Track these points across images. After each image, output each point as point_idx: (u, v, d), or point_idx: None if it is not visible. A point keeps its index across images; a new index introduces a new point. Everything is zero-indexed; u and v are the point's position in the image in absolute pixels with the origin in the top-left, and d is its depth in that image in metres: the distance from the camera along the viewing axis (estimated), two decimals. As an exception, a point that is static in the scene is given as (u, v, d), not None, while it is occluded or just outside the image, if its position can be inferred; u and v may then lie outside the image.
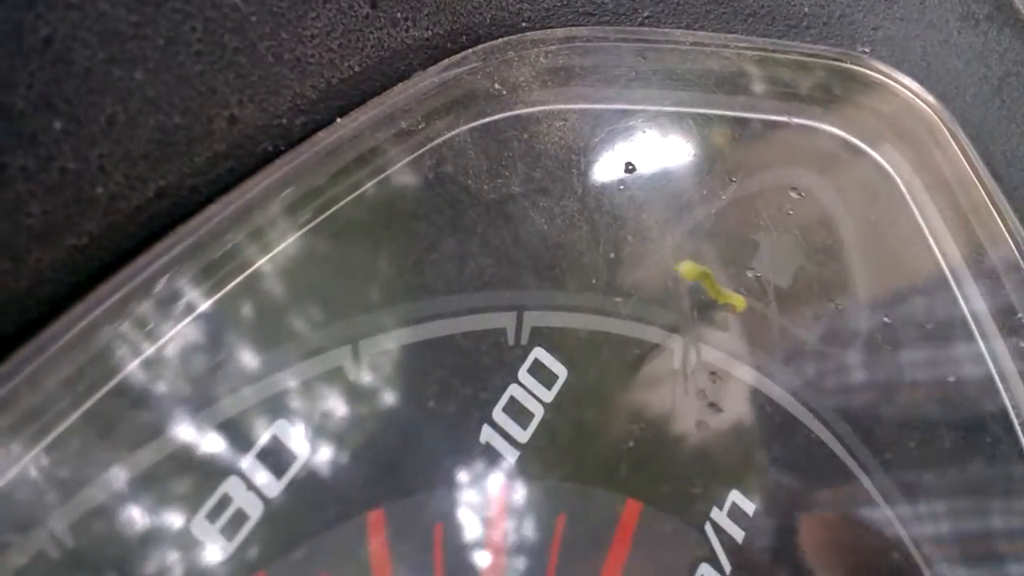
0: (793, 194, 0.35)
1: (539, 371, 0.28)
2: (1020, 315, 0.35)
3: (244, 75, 0.26)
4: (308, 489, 0.24)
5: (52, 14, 0.22)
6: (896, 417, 0.32)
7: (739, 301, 0.31)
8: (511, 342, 0.28)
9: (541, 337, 0.28)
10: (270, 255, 0.26)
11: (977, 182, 0.38)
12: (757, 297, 0.32)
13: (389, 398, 0.26)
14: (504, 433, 0.26)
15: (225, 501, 0.23)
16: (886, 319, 0.33)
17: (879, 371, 0.32)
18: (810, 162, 0.36)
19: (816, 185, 0.36)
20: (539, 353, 0.28)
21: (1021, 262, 0.36)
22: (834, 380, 0.32)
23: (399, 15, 0.30)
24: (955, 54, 0.41)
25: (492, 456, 0.26)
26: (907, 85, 0.39)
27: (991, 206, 0.37)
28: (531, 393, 0.27)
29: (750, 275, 0.32)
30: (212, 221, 0.25)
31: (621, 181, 0.32)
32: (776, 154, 0.36)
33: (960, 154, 0.39)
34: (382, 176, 0.29)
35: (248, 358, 0.25)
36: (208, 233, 0.25)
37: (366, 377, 0.26)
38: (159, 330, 0.24)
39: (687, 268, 0.29)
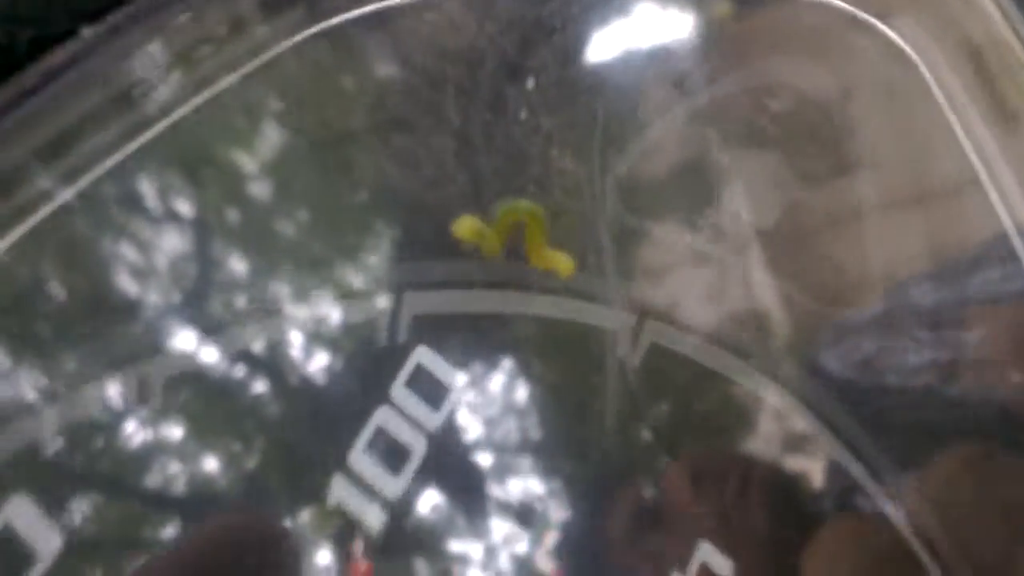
0: (781, 90, 0.26)
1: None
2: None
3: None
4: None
5: None
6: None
7: (565, 265, 0.22)
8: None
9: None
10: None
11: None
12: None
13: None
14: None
15: None
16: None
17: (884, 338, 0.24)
18: (805, 45, 0.27)
19: (812, 76, 0.26)
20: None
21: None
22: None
23: None
24: None
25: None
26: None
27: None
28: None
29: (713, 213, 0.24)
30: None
31: (525, 90, 0.23)
32: (763, 35, 0.27)
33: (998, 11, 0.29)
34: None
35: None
36: None
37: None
38: None
39: (463, 226, 0.21)
